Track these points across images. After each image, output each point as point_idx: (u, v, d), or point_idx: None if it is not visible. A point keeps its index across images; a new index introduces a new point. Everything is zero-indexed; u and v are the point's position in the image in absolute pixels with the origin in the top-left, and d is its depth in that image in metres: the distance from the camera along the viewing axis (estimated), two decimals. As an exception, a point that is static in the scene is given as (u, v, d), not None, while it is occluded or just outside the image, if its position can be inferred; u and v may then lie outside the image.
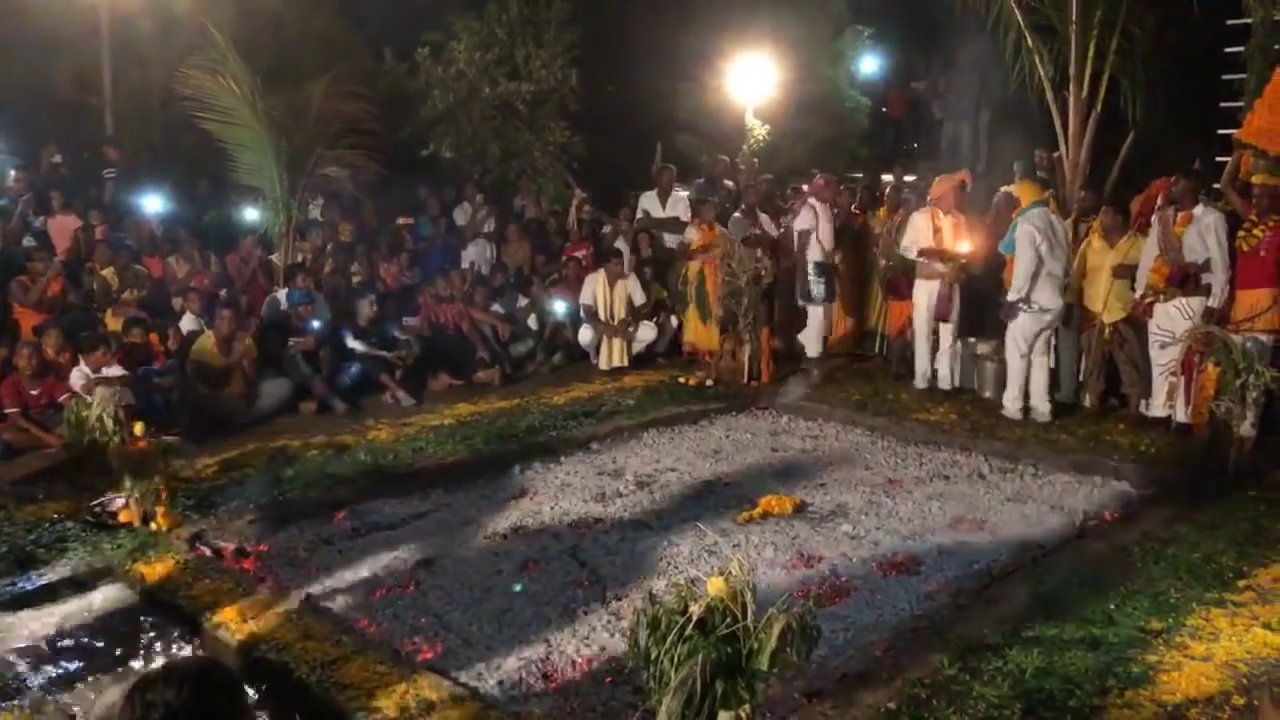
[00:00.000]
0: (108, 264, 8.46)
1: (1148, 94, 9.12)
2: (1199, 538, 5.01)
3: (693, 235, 9.29)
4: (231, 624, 4.18)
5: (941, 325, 7.93)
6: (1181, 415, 6.69)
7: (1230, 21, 8.91)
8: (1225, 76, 9.49)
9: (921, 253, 7.82)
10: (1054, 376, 7.57)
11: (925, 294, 7.90)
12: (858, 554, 5.10)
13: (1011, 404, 7.32)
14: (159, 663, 3.52)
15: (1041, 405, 7.25)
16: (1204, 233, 6.57)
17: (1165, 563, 4.71)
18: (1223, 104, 9.63)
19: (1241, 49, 8.95)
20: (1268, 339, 6.43)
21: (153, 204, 9.74)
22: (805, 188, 9.63)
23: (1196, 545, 4.91)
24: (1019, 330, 7.23)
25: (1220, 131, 9.88)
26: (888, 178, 11.64)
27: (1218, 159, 8.17)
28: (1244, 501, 5.53)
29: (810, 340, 9.08)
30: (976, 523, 5.53)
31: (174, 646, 4.27)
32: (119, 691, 3.83)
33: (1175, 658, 3.85)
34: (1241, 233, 6.71)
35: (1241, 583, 4.51)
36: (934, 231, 7.78)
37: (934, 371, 8.06)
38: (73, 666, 4.10)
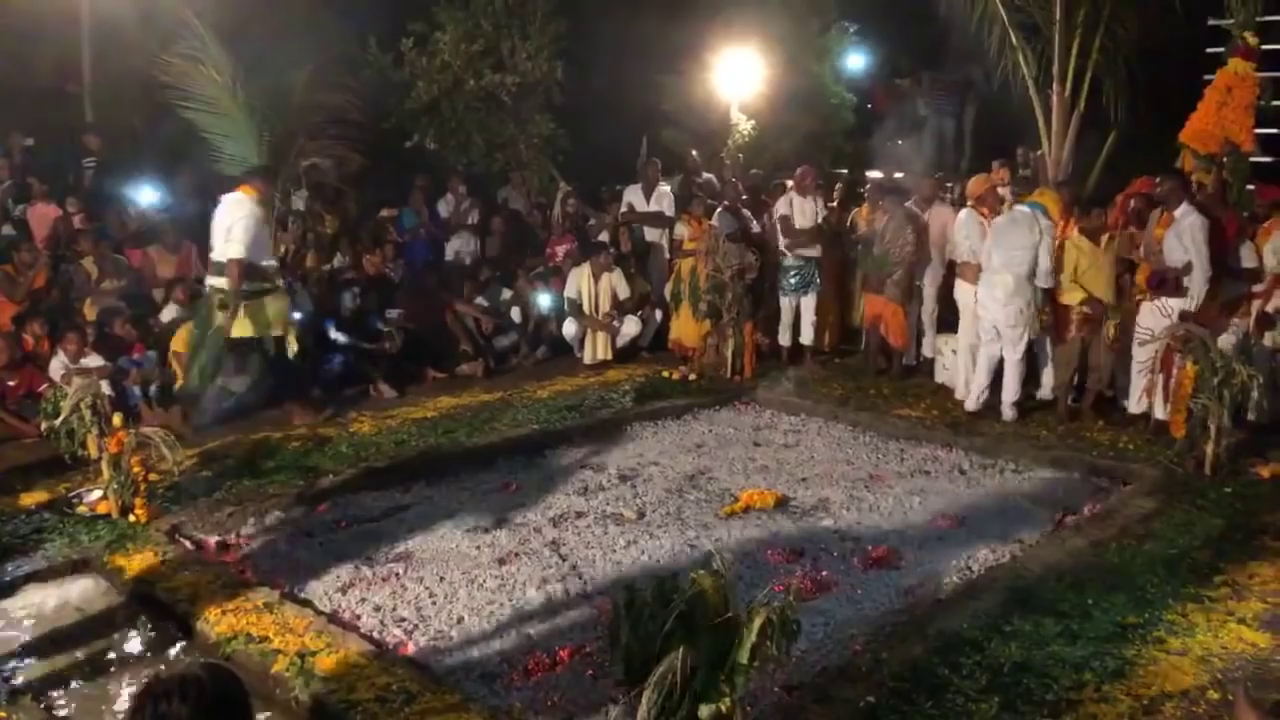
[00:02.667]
0: (87, 253, 8.37)
1: (1130, 93, 9.19)
2: (1175, 534, 5.07)
3: (682, 232, 9.30)
4: (211, 617, 4.15)
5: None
6: (1160, 412, 6.75)
7: (1212, 22, 8.99)
8: (1207, 76, 9.57)
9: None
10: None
11: (971, 298, 7.54)
12: (839, 548, 5.13)
13: (971, 397, 7.40)
14: (169, 669, 3.49)
15: (1007, 411, 7.24)
16: (1181, 235, 6.61)
17: (1142, 558, 4.75)
18: (1203, 104, 9.70)
19: (1223, 49, 9.03)
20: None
21: (148, 196, 9.63)
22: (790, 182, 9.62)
23: (1173, 541, 4.97)
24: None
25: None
26: (874, 174, 11.67)
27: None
28: (1220, 498, 5.59)
29: (781, 329, 9.05)
30: (956, 518, 5.56)
31: (153, 639, 4.24)
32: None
33: (1151, 652, 3.89)
34: None
35: (1217, 578, 4.56)
36: (982, 232, 7.53)
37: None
38: (50, 661, 4.07)
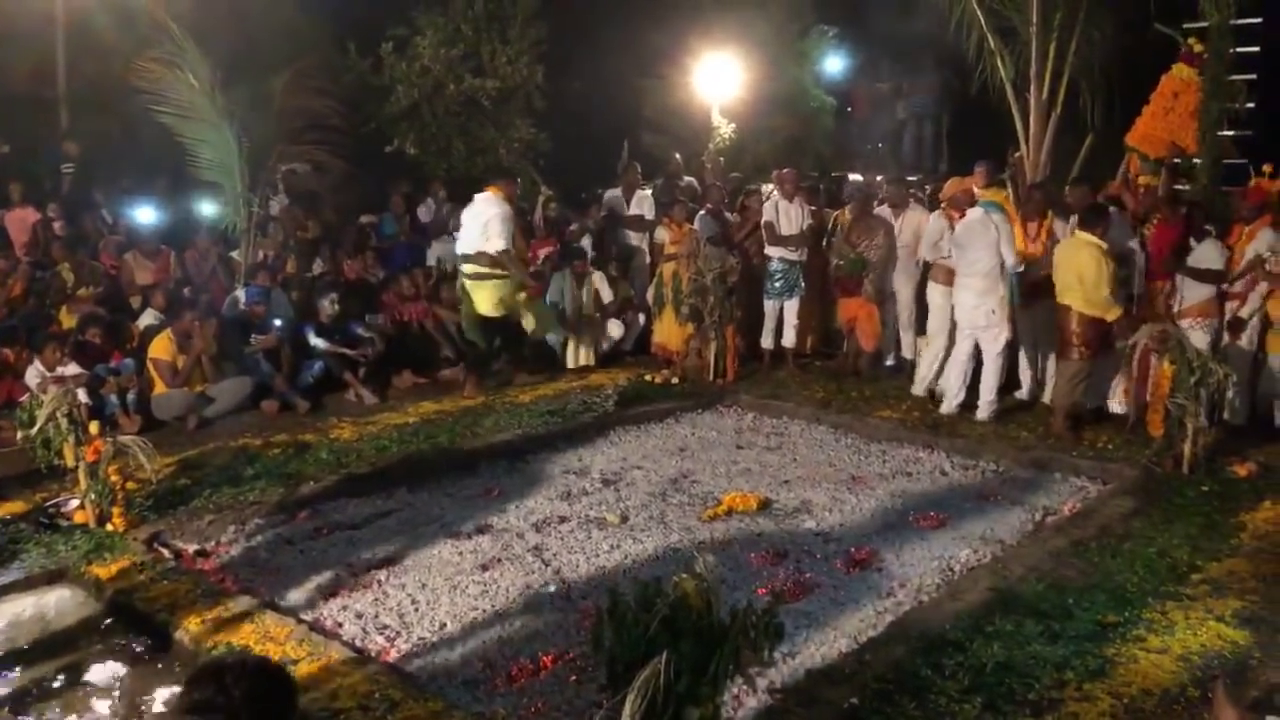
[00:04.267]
0: (64, 260, 8.30)
1: (1106, 96, 9.27)
2: (1154, 532, 5.10)
3: (663, 236, 9.29)
4: (190, 626, 4.11)
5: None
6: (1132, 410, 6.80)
7: (1186, 25, 9.09)
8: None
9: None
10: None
11: (946, 300, 7.58)
12: (821, 551, 5.14)
13: (947, 400, 7.44)
14: (222, 654, 3.51)
15: (983, 410, 7.26)
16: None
17: (1122, 557, 4.79)
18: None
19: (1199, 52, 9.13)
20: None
21: (146, 215, 9.54)
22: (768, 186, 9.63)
23: (1152, 540, 5.00)
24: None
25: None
26: (855, 177, 11.71)
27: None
28: (1198, 496, 5.63)
29: (765, 333, 9.05)
30: (938, 519, 5.58)
31: (131, 650, 4.19)
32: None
33: (1132, 651, 3.91)
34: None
35: (1195, 576, 4.60)
36: (941, 233, 7.60)
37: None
38: (26, 672, 4.01)
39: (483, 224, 7.68)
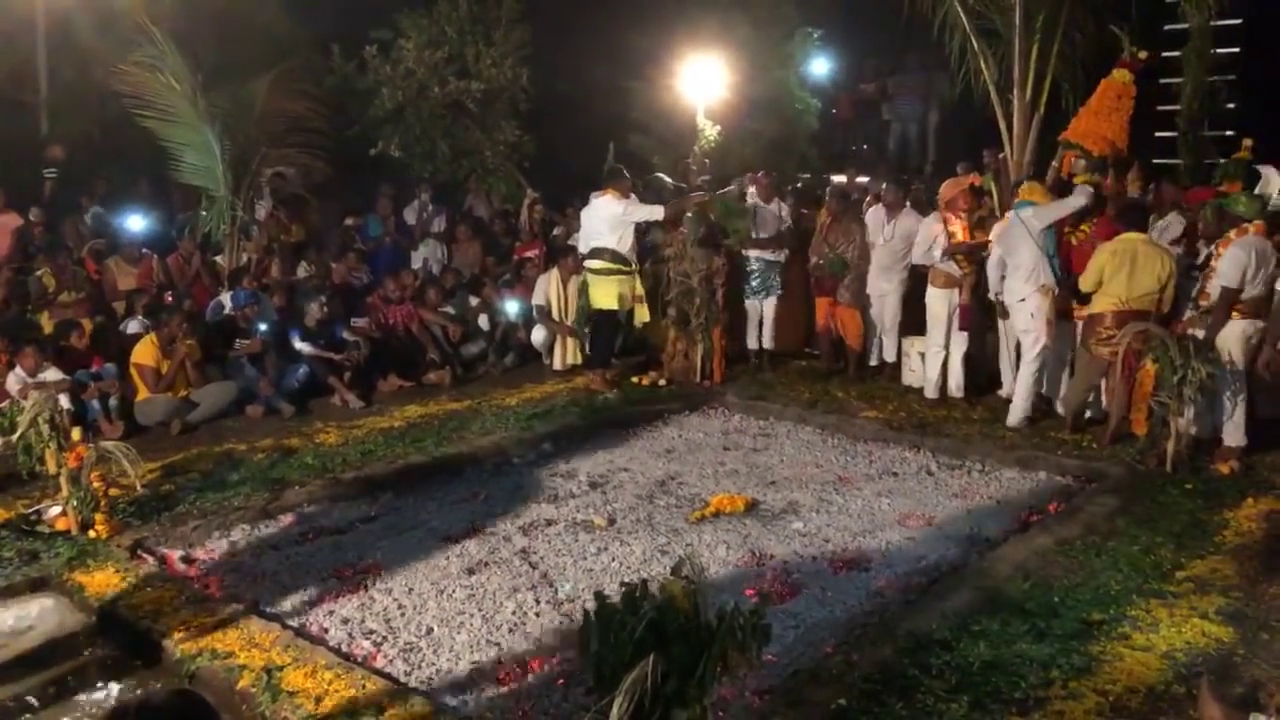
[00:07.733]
0: (45, 264, 8.23)
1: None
2: (1139, 530, 5.13)
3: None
4: (175, 633, 4.08)
5: (957, 334, 7.70)
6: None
7: (1167, 27, 9.16)
8: (1162, 80, 9.74)
9: (950, 249, 7.52)
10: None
11: (943, 304, 7.67)
12: (808, 551, 5.14)
13: (1014, 413, 7.21)
14: (133, 693, 3.41)
15: (1014, 416, 7.12)
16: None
17: (1106, 555, 4.81)
18: (1159, 107, 9.88)
19: (1178, 53, 9.21)
20: None
21: (136, 223, 9.47)
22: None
23: (1136, 538, 5.03)
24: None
25: (1158, 134, 10.14)
26: (839, 178, 11.72)
27: (1155, 160, 8.41)
28: (1181, 495, 5.67)
29: (748, 333, 9.06)
30: (925, 519, 5.60)
31: (114, 658, 4.16)
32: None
33: (1116, 648, 3.93)
34: (1068, 229, 7.10)
35: (1180, 574, 4.63)
36: (948, 236, 7.58)
37: (943, 381, 7.81)
38: (8, 683, 3.97)
39: (603, 220, 8.08)
